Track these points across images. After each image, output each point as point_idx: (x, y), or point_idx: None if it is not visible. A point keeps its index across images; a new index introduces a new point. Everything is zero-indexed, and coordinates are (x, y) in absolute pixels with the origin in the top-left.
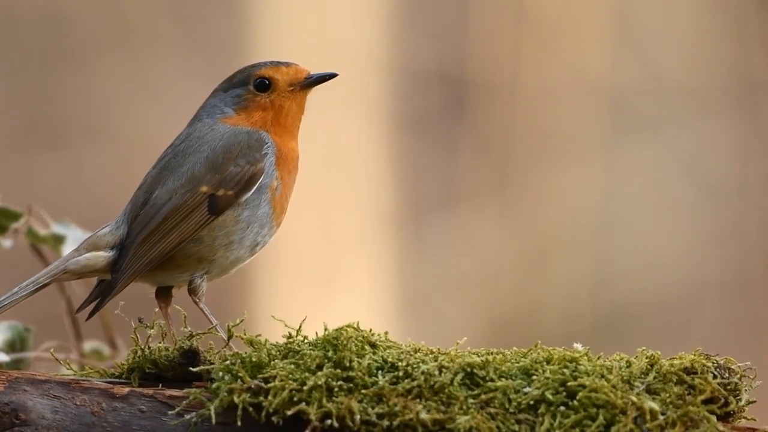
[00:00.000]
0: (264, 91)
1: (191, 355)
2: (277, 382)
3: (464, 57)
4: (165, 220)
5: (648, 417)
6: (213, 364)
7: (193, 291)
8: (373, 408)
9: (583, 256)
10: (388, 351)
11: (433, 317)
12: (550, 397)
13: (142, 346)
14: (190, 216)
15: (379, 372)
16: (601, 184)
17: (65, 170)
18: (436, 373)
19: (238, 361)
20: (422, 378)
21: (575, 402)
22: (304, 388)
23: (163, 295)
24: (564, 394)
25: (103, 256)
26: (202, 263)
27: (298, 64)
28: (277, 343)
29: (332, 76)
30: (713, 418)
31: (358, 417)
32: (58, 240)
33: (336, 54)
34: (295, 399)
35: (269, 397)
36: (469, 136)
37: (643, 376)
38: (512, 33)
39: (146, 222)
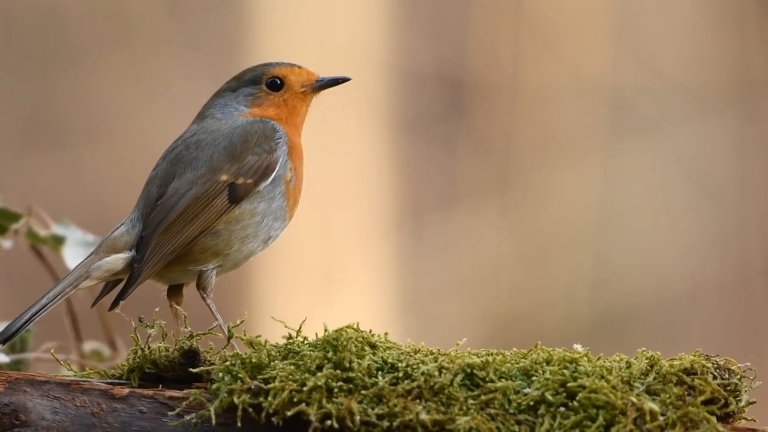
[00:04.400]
0: (276, 91)
1: (191, 356)
2: (277, 383)
3: (464, 57)
4: (186, 210)
5: (648, 418)
6: (213, 364)
7: (201, 285)
8: (373, 409)
9: (582, 256)
10: (388, 352)
11: (433, 317)
12: (550, 397)
13: (142, 346)
14: (210, 205)
15: (379, 373)
16: (601, 184)
17: (65, 170)
18: (436, 373)
19: (238, 361)
20: (422, 379)
21: (575, 403)
22: (304, 388)
23: (174, 293)
24: (564, 394)
25: (123, 257)
26: (217, 257)
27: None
28: (277, 344)
29: (344, 80)
30: (713, 418)
31: (358, 418)
32: (58, 241)
33: (336, 54)
34: (295, 400)
35: (269, 398)
36: (469, 136)
37: (642, 376)
38: (512, 33)
39: (167, 212)
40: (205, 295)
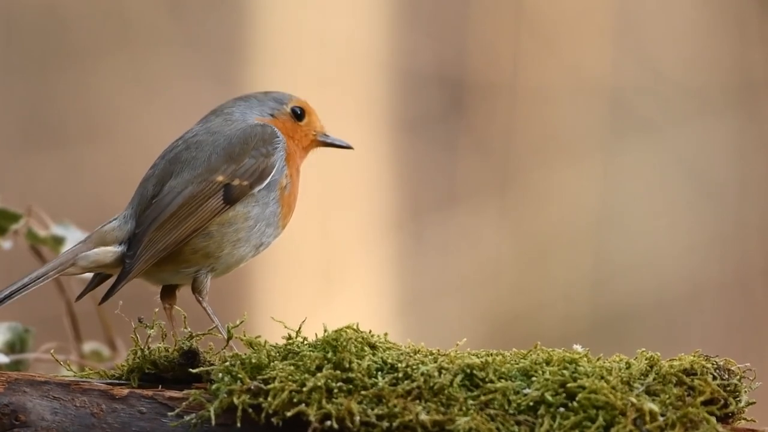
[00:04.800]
0: (296, 119)
1: (191, 356)
2: (276, 384)
3: (464, 57)
4: (181, 208)
5: (648, 418)
6: (213, 365)
7: (196, 289)
8: (372, 409)
9: (582, 256)
10: (387, 352)
11: (433, 317)
12: (550, 398)
13: (142, 347)
14: (205, 204)
15: (379, 373)
16: (600, 184)
17: (65, 170)
18: (436, 374)
19: (238, 362)
20: (422, 379)
21: (575, 403)
22: (304, 389)
23: (168, 295)
24: (563, 395)
25: (112, 251)
26: (208, 259)
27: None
28: (276, 344)
29: (347, 147)
30: (713, 419)
31: (357, 418)
32: (58, 241)
33: (336, 54)
34: (295, 400)
35: (269, 399)
36: (469, 137)
37: (642, 377)
38: (512, 33)
39: (161, 209)
40: (200, 299)
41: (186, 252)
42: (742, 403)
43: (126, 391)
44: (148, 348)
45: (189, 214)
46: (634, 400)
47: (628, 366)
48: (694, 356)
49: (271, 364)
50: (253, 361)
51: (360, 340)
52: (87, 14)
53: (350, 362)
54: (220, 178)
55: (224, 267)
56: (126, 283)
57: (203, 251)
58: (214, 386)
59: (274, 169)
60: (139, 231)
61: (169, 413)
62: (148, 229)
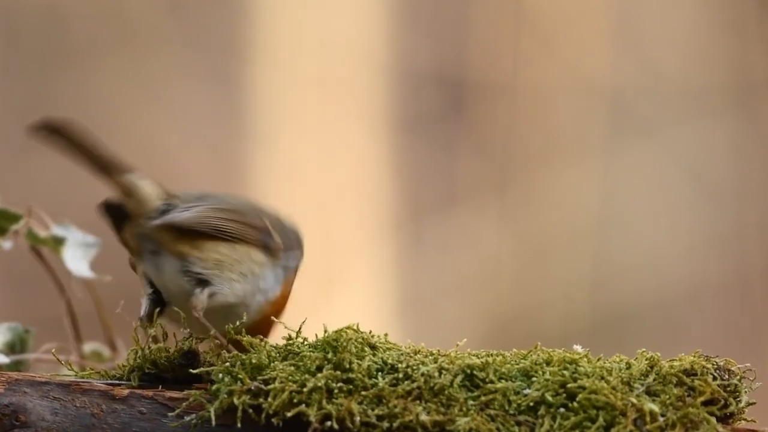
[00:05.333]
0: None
1: (191, 357)
2: (276, 384)
3: (464, 57)
4: (235, 210)
5: (648, 418)
6: (213, 365)
7: (193, 304)
8: (372, 410)
9: (582, 256)
10: (388, 352)
11: (433, 317)
12: (550, 398)
13: (142, 347)
14: (250, 228)
15: (379, 374)
16: (600, 184)
17: (65, 170)
18: (436, 374)
19: (238, 362)
20: (422, 380)
21: (575, 404)
22: (304, 389)
23: (149, 320)
24: (564, 395)
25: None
26: (216, 270)
27: None
28: (276, 344)
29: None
30: (713, 419)
31: (358, 419)
32: (58, 242)
33: (335, 54)
34: (295, 401)
35: (269, 399)
36: (469, 137)
37: (642, 377)
38: (512, 33)
39: (219, 201)
40: (195, 312)
41: (206, 247)
42: (743, 404)
43: (126, 392)
44: (149, 348)
45: (235, 219)
46: (634, 400)
47: (629, 366)
48: (694, 356)
49: (272, 364)
50: (254, 361)
51: (360, 340)
52: (87, 14)
53: (350, 363)
54: (267, 224)
55: (220, 293)
56: (141, 232)
57: (218, 256)
58: (214, 387)
59: (290, 259)
60: (189, 203)
61: (170, 413)
62: (201, 203)
